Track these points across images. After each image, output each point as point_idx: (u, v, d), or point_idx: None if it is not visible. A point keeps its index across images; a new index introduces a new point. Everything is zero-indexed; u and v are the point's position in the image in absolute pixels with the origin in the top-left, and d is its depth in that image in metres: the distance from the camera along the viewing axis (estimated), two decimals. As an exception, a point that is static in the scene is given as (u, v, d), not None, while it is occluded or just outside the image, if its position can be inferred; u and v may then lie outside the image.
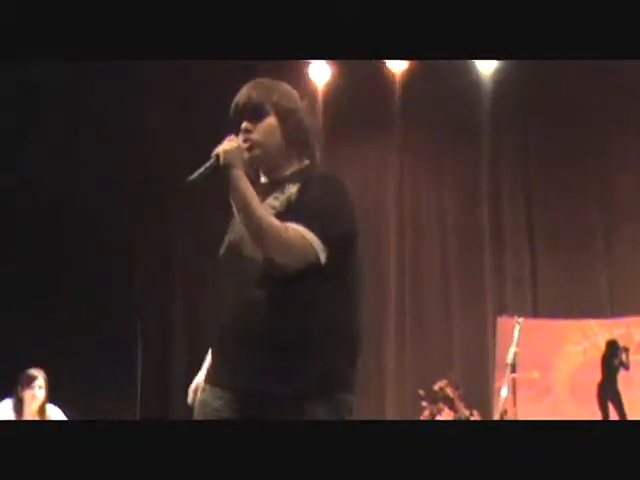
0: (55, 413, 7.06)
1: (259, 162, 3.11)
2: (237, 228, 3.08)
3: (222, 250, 3.19)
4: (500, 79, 9.38)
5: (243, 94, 3.17)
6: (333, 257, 2.95)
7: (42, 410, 7.09)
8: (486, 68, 9.39)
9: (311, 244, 2.92)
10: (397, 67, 9.73)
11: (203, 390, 3.11)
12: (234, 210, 2.96)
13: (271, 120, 3.11)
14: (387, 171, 10.00)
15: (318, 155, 3.22)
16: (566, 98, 9.25)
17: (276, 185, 3.14)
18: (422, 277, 9.79)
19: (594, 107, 9.23)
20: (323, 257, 2.94)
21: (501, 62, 9.36)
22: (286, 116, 3.11)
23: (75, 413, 7.32)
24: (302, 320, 2.91)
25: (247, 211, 2.93)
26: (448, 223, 9.82)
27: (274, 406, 2.92)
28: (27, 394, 7.05)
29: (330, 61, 9.67)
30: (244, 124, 3.08)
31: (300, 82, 9.51)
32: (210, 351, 3.16)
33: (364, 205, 9.86)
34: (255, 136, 3.06)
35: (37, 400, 7.07)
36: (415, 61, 9.50)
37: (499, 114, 9.45)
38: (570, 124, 9.44)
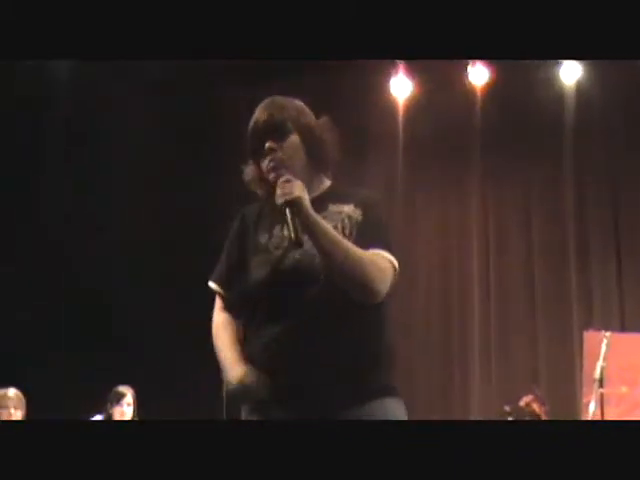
0: None
1: None
2: (294, 253, 2.97)
3: (267, 272, 3.02)
4: (583, 91, 9.12)
5: (263, 113, 3.09)
6: None
7: None
8: (568, 80, 9.24)
9: (393, 266, 2.93)
10: (479, 80, 9.38)
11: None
12: (318, 246, 2.86)
13: (294, 138, 3.03)
14: (469, 189, 9.95)
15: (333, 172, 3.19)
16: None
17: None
18: (507, 292, 9.55)
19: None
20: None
21: (583, 75, 9.04)
22: (308, 133, 3.04)
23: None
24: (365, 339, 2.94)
25: (337, 247, 2.87)
26: (534, 239, 9.59)
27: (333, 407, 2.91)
28: (116, 410, 7.43)
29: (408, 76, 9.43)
30: (268, 144, 2.99)
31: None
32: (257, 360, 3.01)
33: (448, 221, 9.91)
34: (281, 155, 2.97)
35: (126, 416, 7.43)
36: (493, 77, 9.28)
37: (583, 128, 9.25)
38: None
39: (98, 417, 7.42)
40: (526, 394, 8.07)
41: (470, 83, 9.23)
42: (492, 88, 9.17)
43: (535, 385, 8.52)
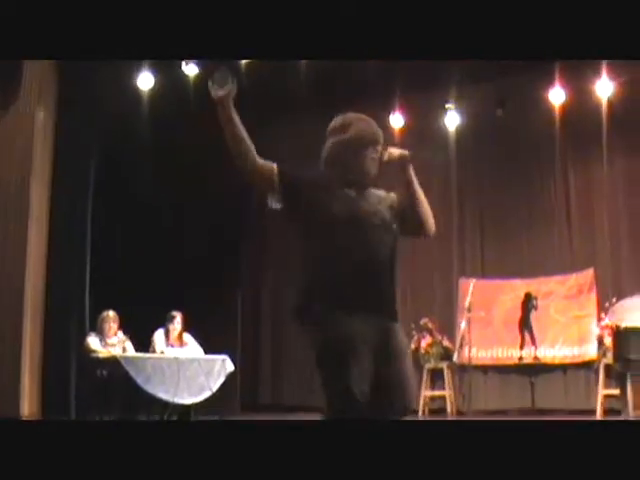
0: (188, 338, 10.19)
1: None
2: (367, 201, 3.63)
3: (345, 216, 3.55)
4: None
5: (374, 123, 3.77)
6: None
7: (180, 336, 10.15)
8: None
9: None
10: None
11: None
12: (411, 194, 3.61)
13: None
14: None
15: None
16: None
17: (363, 194, 3.70)
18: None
19: None
20: None
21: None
22: None
23: (198, 339, 10.27)
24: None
25: (421, 194, 3.69)
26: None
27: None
28: (171, 327, 10.08)
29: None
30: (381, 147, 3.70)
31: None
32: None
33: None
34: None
35: (176, 330, 10.12)
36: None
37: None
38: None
39: (160, 330, 10.06)
40: (424, 317, 11.62)
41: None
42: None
43: (430, 312, 11.78)
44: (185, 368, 9.62)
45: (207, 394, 9.71)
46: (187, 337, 10.36)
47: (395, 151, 3.66)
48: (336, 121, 3.76)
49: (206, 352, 10.25)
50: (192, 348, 10.25)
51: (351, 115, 3.75)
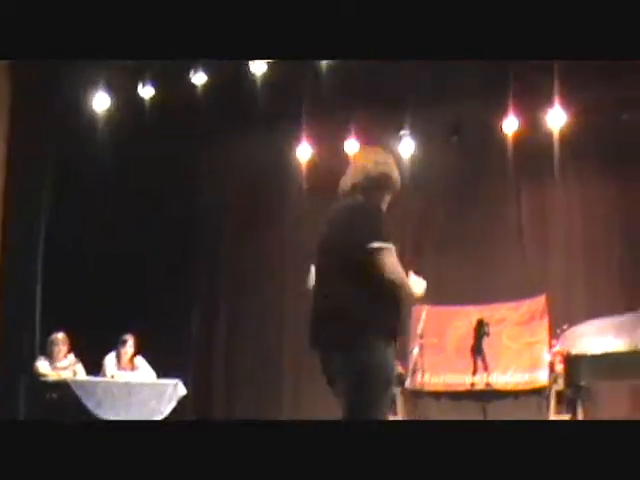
0: (140, 362, 10.22)
1: None
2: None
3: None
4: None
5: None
6: None
7: (132, 360, 10.18)
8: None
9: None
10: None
11: None
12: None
13: None
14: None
15: None
16: None
17: None
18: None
19: None
20: None
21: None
22: None
23: (151, 363, 10.26)
24: None
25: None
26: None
27: None
28: (122, 350, 10.13)
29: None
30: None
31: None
32: None
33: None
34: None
35: (128, 354, 10.14)
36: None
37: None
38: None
39: (112, 353, 10.11)
40: None
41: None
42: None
43: None
44: (136, 392, 9.59)
45: (158, 418, 9.63)
46: (139, 361, 10.35)
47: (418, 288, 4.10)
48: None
49: (158, 376, 10.18)
50: (144, 372, 10.22)
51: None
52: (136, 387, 9.67)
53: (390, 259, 3.97)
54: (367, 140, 11.66)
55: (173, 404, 9.89)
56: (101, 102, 10.85)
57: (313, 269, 4.28)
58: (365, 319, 3.93)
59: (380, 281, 3.92)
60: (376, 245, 3.95)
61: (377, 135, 11.65)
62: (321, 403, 11.71)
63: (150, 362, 10.34)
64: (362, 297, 3.94)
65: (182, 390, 10.05)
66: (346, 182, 4.18)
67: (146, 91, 10.75)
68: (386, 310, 3.98)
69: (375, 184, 4.15)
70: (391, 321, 4.04)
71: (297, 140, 12.00)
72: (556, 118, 10.88)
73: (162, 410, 9.72)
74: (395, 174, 4.20)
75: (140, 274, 11.89)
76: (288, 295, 12.76)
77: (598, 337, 8.57)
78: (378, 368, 3.92)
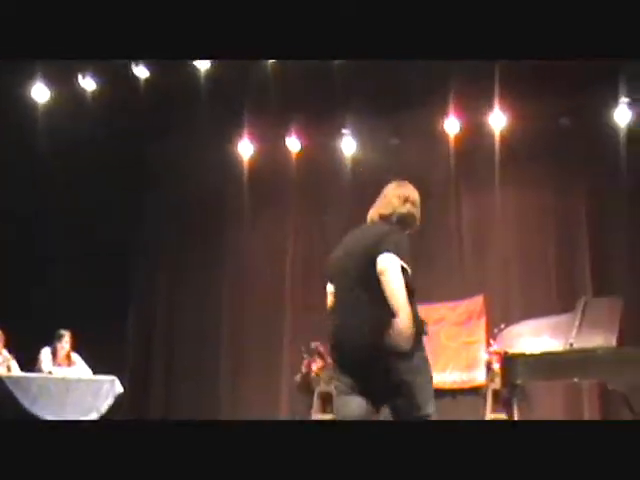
0: (76, 358, 10.06)
1: None
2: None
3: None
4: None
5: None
6: None
7: (68, 356, 10.01)
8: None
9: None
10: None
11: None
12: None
13: None
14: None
15: None
16: None
17: None
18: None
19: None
20: None
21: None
22: None
23: (85, 358, 10.15)
24: None
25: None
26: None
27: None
28: (59, 345, 9.97)
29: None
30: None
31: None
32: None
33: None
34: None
35: (64, 349, 9.96)
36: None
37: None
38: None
39: (47, 348, 9.91)
40: (316, 341, 11.50)
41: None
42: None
43: (322, 335, 11.67)
44: (73, 388, 9.47)
45: (94, 416, 9.54)
46: (75, 357, 10.20)
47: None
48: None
49: (95, 372, 10.08)
50: (80, 368, 10.10)
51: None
52: (73, 383, 9.55)
53: (399, 279, 4.01)
54: (308, 138, 11.76)
55: (110, 401, 9.79)
56: (40, 95, 10.70)
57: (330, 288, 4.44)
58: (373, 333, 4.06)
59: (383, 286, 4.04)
60: (386, 254, 4.07)
61: (318, 134, 11.79)
62: (259, 402, 12.06)
63: (85, 359, 10.20)
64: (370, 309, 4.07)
65: (119, 387, 9.96)
66: (376, 213, 4.47)
67: (86, 84, 10.62)
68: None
69: (402, 221, 4.38)
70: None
71: (239, 137, 12.06)
72: (496, 121, 11.05)
73: (99, 407, 9.62)
74: (419, 214, 4.46)
75: (76, 269, 11.75)
76: (227, 293, 12.74)
77: (534, 337, 8.68)
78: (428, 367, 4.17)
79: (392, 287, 3.97)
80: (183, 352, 12.78)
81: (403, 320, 3.93)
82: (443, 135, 11.37)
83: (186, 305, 12.98)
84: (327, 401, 11.85)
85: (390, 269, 3.96)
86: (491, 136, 11.19)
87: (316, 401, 11.80)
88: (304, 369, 11.76)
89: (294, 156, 12.05)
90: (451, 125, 11.22)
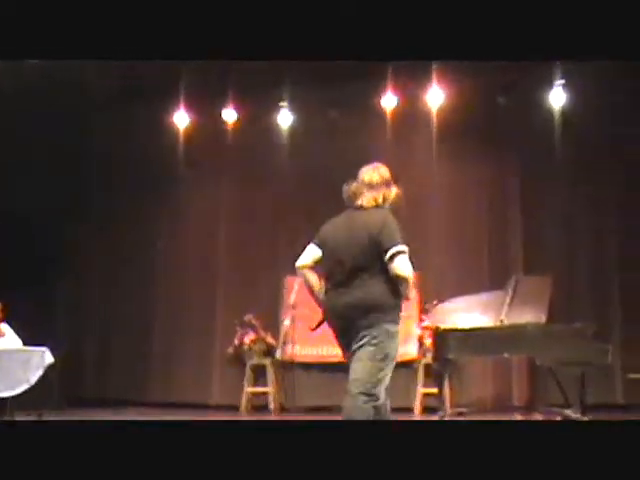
0: (6, 329, 10.04)
1: None
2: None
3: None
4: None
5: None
6: None
7: None
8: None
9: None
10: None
11: None
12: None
13: None
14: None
15: None
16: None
17: None
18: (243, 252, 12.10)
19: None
20: None
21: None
22: None
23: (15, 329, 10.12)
24: None
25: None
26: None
27: None
28: None
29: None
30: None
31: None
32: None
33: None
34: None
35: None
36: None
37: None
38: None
39: None
40: (249, 314, 11.72)
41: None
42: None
43: (256, 308, 11.84)
44: (5, 359, 9.36)
45: (25, 387, 9.43)
46: (5, 327, 10.13)
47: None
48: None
49: (25, 344, 9.97)
50: (10, 339, 10.01)
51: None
52: (4, 354, 9.44)
53: (407, 261, 4.50)
54: (245, 110, 11.71)
55: (40, 372, 9.67)
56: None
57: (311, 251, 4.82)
58: (387, 306, 4.49)
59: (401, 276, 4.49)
60: (402, 247, 4.52)
61: (255, 105, 11.72)
62: (192, 385, 12.03)
63: (16, 330, 10.14)
64: (386, 288, 4.51)
65: (49, 358, 9.83)
66: (369, 200, 4.79)
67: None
68: (399, 301, 4.56)
69: (392, 203, 4.83)
70: (400, 310, 4.55)
71: (175, 108, 11.97)
72: (434, 97, 11.13)
73: (29, 379, 9.50)
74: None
75: (6, 239, 11.57)
76: (160, 266, 12.66)
77: (466, 313, 8.78)
78: (393, 347, 4.50)
79: (407, 276, 4.48)
80: (118, 330, 12.64)
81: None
82: (380, 109, 11.37)
83: (119, 278, 12.86)
84: (259, 374, 11.91)
85: (402, 265, 4.45)
86: (428, 112, 11.25)
87: (248, 374, 11.83)
88: (237, 341, 11.78)
89: (230, 127, 11.97)
90: (389, 100, 11.24)
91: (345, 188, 4.88)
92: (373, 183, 4.79)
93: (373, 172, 4.85)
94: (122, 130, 12.44)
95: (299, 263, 4.78)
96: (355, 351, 4.60)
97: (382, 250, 4.49)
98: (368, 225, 4.61)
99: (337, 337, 4.77)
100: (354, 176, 5.01)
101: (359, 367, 4.57)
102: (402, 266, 4.47)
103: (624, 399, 10.43)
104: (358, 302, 4.47)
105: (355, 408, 4.45)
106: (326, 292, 4.75)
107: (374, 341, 4.49)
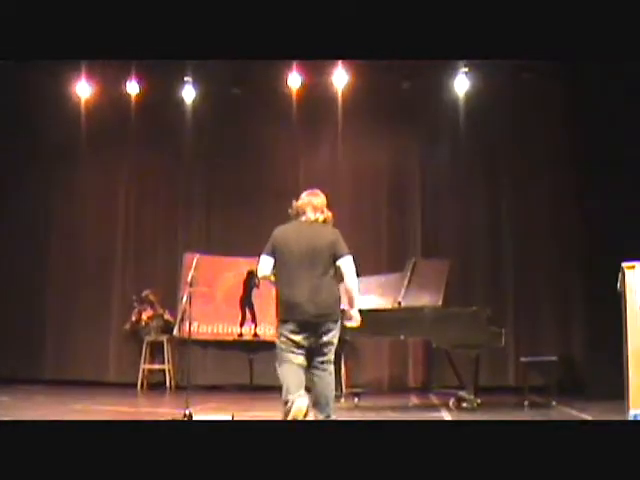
0: None
1: None
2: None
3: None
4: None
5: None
6: None
7: None
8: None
9: None
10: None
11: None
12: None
13: None
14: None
15: None
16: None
17: None
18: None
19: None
20: None
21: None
22: None
23: None
24: None
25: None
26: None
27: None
28: None
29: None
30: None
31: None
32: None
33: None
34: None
35: None
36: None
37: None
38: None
39: None
40: (147, 289, 11.69)
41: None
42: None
43: (154, 285, 11.81)
44: None
45: None
46: None
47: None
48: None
49: None
50: None
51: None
52: None
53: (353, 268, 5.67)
54: (148, 83, 11.55)
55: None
56: None
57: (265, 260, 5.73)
58: (335, 305, 5.67)
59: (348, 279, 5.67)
60: (349, 256, 5.66)
61: (159, 79, 11.54)
62: (88, 362, 11.81)
63: None
64: (335, 288, 5.68)
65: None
66: (319, 218, 5.77)
67: None
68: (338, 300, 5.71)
69: (329, 222, 5.84)
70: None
71: (77, 78, 11.73)
72: (339, 79, 11.17)
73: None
74: None
75: None
76: (56, 239, 12.39)
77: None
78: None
79: (353, 284, 5.66)
80: (8, 300, 12.29)
81: (356, 309, 5.84)
82: (286, 89, 11.34)
83: (8, 251, 12.46)
84: (156, 351, 11.82)
85: (352, 270, 5.63)
86: (334, 93, 11.26)
87: (145, 351, 11.74)
88: (134, 318, 11.68)
89: (132, 99, 11.77)
90: (294, 80, 11.23)
91: (294, 204, 5.82)
92: (318, 206, 5.78)
93: (318, 197, 5.80)
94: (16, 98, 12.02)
95: (261, 274, 5.75)
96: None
97: (337, 256, 5.61)
98: (324, 234, 5.68)
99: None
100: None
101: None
102: (351, 270, 5.64)
103: (515, 382, 10.61)
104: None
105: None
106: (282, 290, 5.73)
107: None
